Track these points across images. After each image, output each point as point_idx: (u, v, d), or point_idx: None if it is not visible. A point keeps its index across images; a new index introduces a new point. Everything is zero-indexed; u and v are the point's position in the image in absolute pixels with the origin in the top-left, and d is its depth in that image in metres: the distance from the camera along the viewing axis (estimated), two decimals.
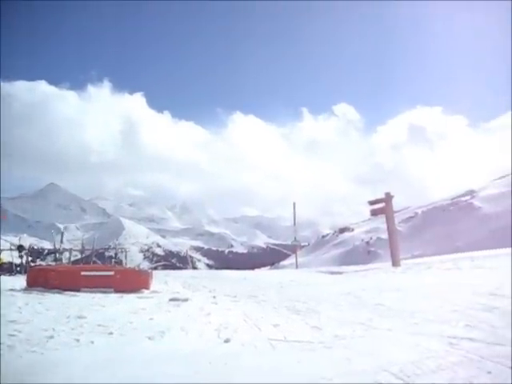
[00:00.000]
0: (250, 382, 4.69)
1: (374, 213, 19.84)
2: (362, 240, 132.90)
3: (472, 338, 5.88)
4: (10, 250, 23.10)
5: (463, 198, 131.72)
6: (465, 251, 31.29)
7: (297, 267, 26.48)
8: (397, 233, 20.34)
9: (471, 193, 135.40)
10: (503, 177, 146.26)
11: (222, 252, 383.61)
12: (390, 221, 19.07)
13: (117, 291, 11.33)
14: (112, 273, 12.25)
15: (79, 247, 28.18)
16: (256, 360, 5.46)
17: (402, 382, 4.48)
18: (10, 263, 21.64)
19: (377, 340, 6.16)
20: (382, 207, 18.97)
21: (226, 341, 6.35)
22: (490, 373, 4.60)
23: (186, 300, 9.73)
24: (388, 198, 18.82)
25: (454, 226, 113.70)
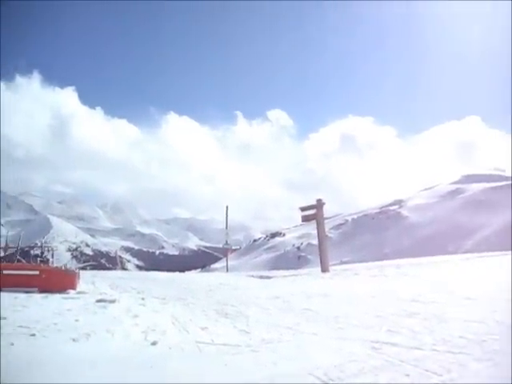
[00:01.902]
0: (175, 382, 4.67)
1: (306, 219, 20.12)
2: (293, 245, 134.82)
3: (394, 342, 6.07)
4: None
5: (391, 207, 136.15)
6: (392, 258, 32.33)
7: (227, 270, 26.52)
8: (327, 239, 20.73)
9: (399, 202, 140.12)
10: (429, 188, 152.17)
11: (153, 253, 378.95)
12: (320, 227, 19.39)
13: (41, 291, 10.98)
14: (37, 272, 11.87)
15: (2, 245, 27.12)
16: (183, 363, 5.44)
17: None
18: None
19: (303, 344, 6.26)
20: (314, 213, 19.27)
21: (153, 343, 6.29)
22: (408, 375, 4.77)
23: (113, 301, 9.55)
24: (319, 204, 19.15)
25: (383, 233, 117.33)
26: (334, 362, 5.26)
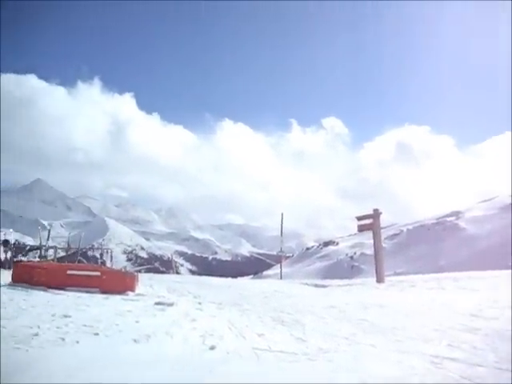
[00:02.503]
0: None
1: (361, 228, 19.91)
2: (346, 254, 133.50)
3: (454, 357, 5.95)
4: None
5: (448, 219, 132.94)
6: (448, 271, 31.51)
7: (281, 278, 26.49)
8: (383, 249, 20.44)
9: (457, 213, 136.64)
10: (488, 200, 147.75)
11: (206, 258, 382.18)
12: (376, 237, 19.16)
13: (102, 292, 11.30)
14: (98, 273, 12.22)
15: (63, 245, 27.97)
16: (241, 368, 5.49)
17: None
18: None
19: (360, 355, 6.21)
20: (370, 223, 19.05)
21: (212, 348, 6.37)
22: None
23: (171, 305, 9.74)
24: (376, 214, 18.92)
25: (438, 245, 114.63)
26: (393, 375, 5.21)
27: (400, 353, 6.28)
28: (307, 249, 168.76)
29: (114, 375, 5.01)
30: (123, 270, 14.50)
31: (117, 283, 11.86)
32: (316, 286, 16.07)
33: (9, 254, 21.23)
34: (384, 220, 20.10)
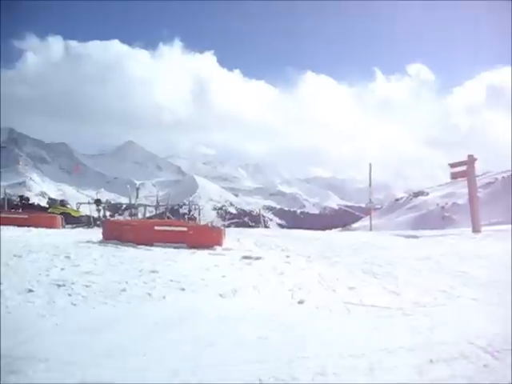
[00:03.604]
0: (325, 345, 4.47)
1: (455, 176, 18.91)
2: (437, 205, 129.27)
3: None
4: (88, 203, 23.73)
5: None
6: None
7: (371, 229, 25.93)
8: (477, 198, 19.42)
9: None
10: None
11: (294, 212, 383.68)
12: (471, 185, 18.17)
13: (189, 247, 11.33)
14: (185, 228, 12.26)
15: (154, 203, 28.75)
16: (331, 324, 5.25)
17: (490, 356, 4.14)
18: (88, 216, 22.24)
19: (460, 310, 5.81)
20: (464, 170, 18.04)
21: (300, 302, 6.16)
22: None
23: (258, 258, 9.58)
24: (471, 160, 17.87)
25: None
26: (498, 332, 4.78)
27: (504, 307, 5.79)
28: (396, 200, 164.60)
29: (200, 331, 4.90)
30: (210, 224, 14.57)
31: (204, 238, 11.85)
32: (407, 237, 15.44)
33: (101, 213, 21.98)
34: (477, 168, 18.98)
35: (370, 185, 26.59)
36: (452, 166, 18.76)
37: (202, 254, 10.27)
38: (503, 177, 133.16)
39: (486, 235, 15.43)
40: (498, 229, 19.41)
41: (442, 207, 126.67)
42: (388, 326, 5.18)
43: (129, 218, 23.23)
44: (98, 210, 22.27)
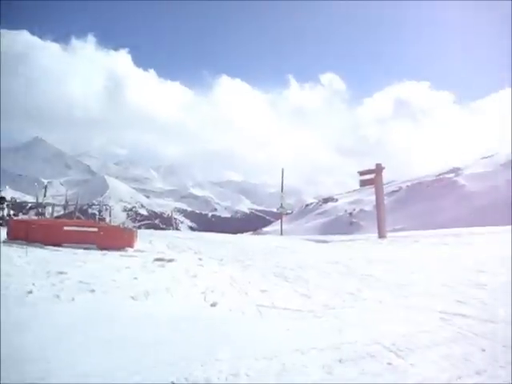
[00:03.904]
0: (238, 347, 4.51)
1: (364, 183, 19.64)
2: (346, 211, 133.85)
3: (464, 314, 5.77)
4: None
5: (448, 175, 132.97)
6: (446, 227, 31.50)
7: (281, 234, 26.39)
8: (384, 205, 20.24)
9: (456, 170, 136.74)
10: (488, 156, 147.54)
11: (206, 215, 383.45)
12: (378, 192, 18.94)
13: (100, 248, 11.07)
14: (96, 229, 11.98)
15: (63, 203, 27.82)
16: (244, 326, 5.30)
17: (394, 355, 4.34)
18: None
19: (367, 311, 6.03)
20: (372, 178, 18.79)
21: (213, 305, 6.18)
22: (484, 350, 4.48)
23: (171, 261, 9.51)
24: (378, 169, 18.64)
25: (437, 202, 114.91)
26: (402, 332, 5.02)
27: (408, 309, 6.11)
28: (306, 205, 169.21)
29: (111, 333, 4.80)
30: (122, 225, 14.30)
31: (115, 239, 11.63)
32: (317, 241, 15.89)
33: (5, 212, 21.03)
34: (383, 177, 19.81)
35: (281, 190, 27.08)
36: (361, 173, 19.47)
37: (113, 256, 10.07)
38: (407, 185, 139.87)
39: (391, 241, 16.12)
40: (402, 235, 20.31)
41: (350, 213, 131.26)
42: (300, 327, 5.29)
43: (35, 218, 22.34)
44: (2, 209, 21.30)
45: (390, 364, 4.13)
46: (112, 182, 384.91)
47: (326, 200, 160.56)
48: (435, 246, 14.11)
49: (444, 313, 5.83)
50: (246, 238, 25.75)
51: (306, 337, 4.90)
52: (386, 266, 9.77)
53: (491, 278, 8.17)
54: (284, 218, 32.50)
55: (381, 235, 17.71)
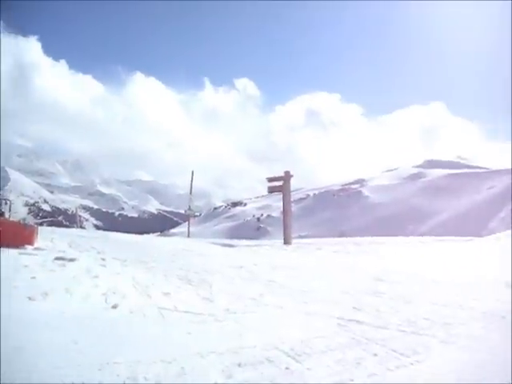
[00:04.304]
0: (137, 350, 4.47)
1: (272, 190, 19.94)
2: (254, 216, 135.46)
3: (360, 320, 6.02)
4: None
5: (353, 186, 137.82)
6: (349, 236, 32.67)
7: (188, 236, 26.27)
8: (291, 212, 20.64)
9: (361, 181, 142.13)
10: (392, 170, 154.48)
11: (112, 214, 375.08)
12: (286, 199, 19.28)
13: None
14: None
15: None
16: (145, 328, 5.25)
17: (292, 360, 4.46)
18: None
19: (268, 317, 6.14)
20: (280, 185, 19.11)
21: (114, 306, 6.05)
22: (375, 355, 4.70)
23: (72, 260, 9.23)
24: (287, 176, 18.99)
25: (343, 211, 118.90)
26: (300, 337, 5.16)
27: (307, 315, 6.28)
28: (215, 208, 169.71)
29: (7, 335, 4.60)
30: (22, 221, 13.66)
31: (13, 236, 11.07)
32: (224, 245, 15.97)
33: None
34: (291, 184, 20.22)
35: (190, 192, 26.98)
36: (269, 180, 19.76)
37: (10, 254, 9.61)
38: (314, 193, 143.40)
39: (296, 247, 16.47)
40: (306, 242, 20.80)
41: (258, 218, 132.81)
42: (201, 331, 5.30)
43: None
44: None
45: (287, 368, 4.24)
46: (14, 174, 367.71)
47: (235, 204, 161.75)
48: (338, 253, 14.59)
49: (341, 319, 6.05)
50: (153, 238, 25.42)
51: (207, 340, 4.93)
52: (289, 273, 10.00)
53: (388, 287, 8.58)
54: (192, 221, 32.39)
55: (286, 241, 18.05)
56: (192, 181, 26.58)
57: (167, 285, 7.86)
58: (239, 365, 4.26)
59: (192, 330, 5.30)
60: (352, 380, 4.05)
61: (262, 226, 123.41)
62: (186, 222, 30.99)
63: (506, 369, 3.37)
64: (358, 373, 4.23)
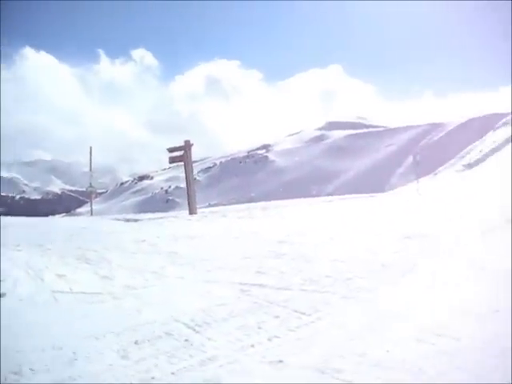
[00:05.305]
0: (25, 340, 4.18)
1: (173, 160, 19.59)
2: (161, 188, 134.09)
3: (262, 284, 6.01)
4: None
5: (259, 152, 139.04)
6: (257, 201, 32.98)
7: (92, 214, 25.50)
8: (194, 182, 20.42)
9: (266, 147, 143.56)
10: (295, 133, 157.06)
11: (13, 198, 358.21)
12: (188, 169, 18.98)
13: None
14: None
15: None
16: (35, 315, 4.94)
17: (192, 331, 4.36)
18: None
19: (169, 289, 6.01)
20: (181, 155, 18.79)
21: (2, 295, 5.67)
22: (277, 317, 4.68)
23: None
24: (187, 145, 18.67)
25: (250, 177, 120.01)
26: (201, 307, 5.07)
27: (209, 283, 6.19)
28: (121, 184, 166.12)
29: None
30: None
31: None
32: (127, 220, 15.52)
33: None
34: (197, 153, 20.01)
35: (90, 169, 26.03)
36: (170, 150, 19.38)
37: None
38: (221, 162, 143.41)
39: (201, 216, 16.32)
40: (213, 210, 20.72)
41: (166, 191, 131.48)
42: (98, 311, 5.10)
43: None
44: None
45: (186, 340, 4.13)
46: None
47: (142, 178, 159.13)
48: (242, 219, 14.60)
49: (243, 284, 6.02)
50: (53, 220, 24.46)
51: (103, 321, 4.73)
52: (192, 242, 9.86)
53: (290, 248, 8.65)
54: (99, 198, 31.50)
55: (191, 212, 17.87)
56: (91, 157, 25.60)
57: (63, 266, 7.48)
58: (136, 342, 4.10)
59: (88, 311, 5.10)
60: (253, 345, 4.00)
61: (170, 198, 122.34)
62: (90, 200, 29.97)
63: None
64: (258, 337, 4.19)
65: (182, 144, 19.02)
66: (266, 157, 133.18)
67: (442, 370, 3.39)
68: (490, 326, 4.26)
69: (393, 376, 3.34)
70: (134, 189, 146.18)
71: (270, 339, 4.14)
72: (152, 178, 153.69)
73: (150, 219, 15.86)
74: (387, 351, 3.76)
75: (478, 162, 48.51)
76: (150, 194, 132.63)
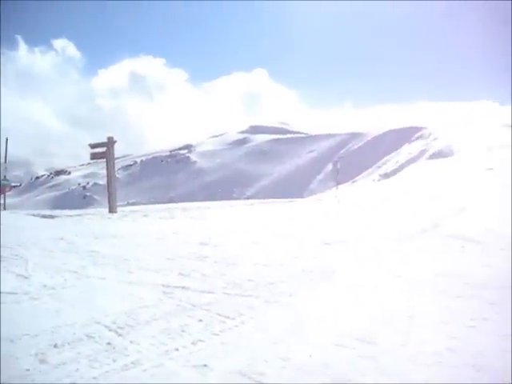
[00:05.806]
0: None
1: (95, 157, 19.10)
2: (79, 184, 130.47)
3: (185, 286, 5.98)
4: None
5: (181, 152, 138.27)
6: (179, 202, 32.80)
7: (5, 209, 24.35)
8: (115, 179, 20.02)
9: (189, 147, 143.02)
10: (218, 135, 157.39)
11: None
12: (109, 166, 18.57)
13: None
14: None
15: None
16: None
17: (114, 334, 4.28)
18: None
19: (89, 290, 5.83)
20: (103, 152, 18.37)
21: None
22: (201, 321, 4.68)
23: None
24: (110, 142, 18.27)
25: (171, 177, 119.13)
26: (123, 309, 4.98)
27: (131, 284, 6.09)
28: (37, 178, 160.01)
29: None
30: None
31: None
32: (44, 216, 14.94)
33: None
34: (118, 150, 19.60)
35: (5, 160, 24.88)
36: (92, 146, 18.93)
37: None
38: (142, 160, 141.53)
39: (122, 215, 16.03)
40: (133, 209, 20.40)
41: (84, 187, 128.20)
42: (13, 313, 4.86)
43: None
44: None
45: (109, 344, 4.04)
46: None
47: (59, 172, 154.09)
48: (164, 220, 14.46)
49: (166, 286, 5.97)
50: None
51: (19, 323, 4.52)
52: (113, 242, 9.62)
53: (212, 250, 8.67)
54: (11, 192, 30.04)
55: (111, 210, 17.50)
56: (6, 148, 24.46)
57: None
58: (55, 346, 3.96)
59: (2, 312, 4.84)
60: (177, 349, 3.97)
61: (88, 194, 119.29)
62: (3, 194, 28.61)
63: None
64: (182, 341, 4.17)
65: (105, 140, 18.61)
66: (188, 157, 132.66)
67: (364, 373, 3.53)
68: (405, 330, 4.46)
69: (316, 380, 3.43)
70: (50, 183, 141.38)
71: (194, 343, 4.13)
72: (69, 173, 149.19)
73: (67, 216, 15.39)
74: (310, 355, 3.85)
75: (394, 171, 50.47)
76: (67, 190, 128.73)
